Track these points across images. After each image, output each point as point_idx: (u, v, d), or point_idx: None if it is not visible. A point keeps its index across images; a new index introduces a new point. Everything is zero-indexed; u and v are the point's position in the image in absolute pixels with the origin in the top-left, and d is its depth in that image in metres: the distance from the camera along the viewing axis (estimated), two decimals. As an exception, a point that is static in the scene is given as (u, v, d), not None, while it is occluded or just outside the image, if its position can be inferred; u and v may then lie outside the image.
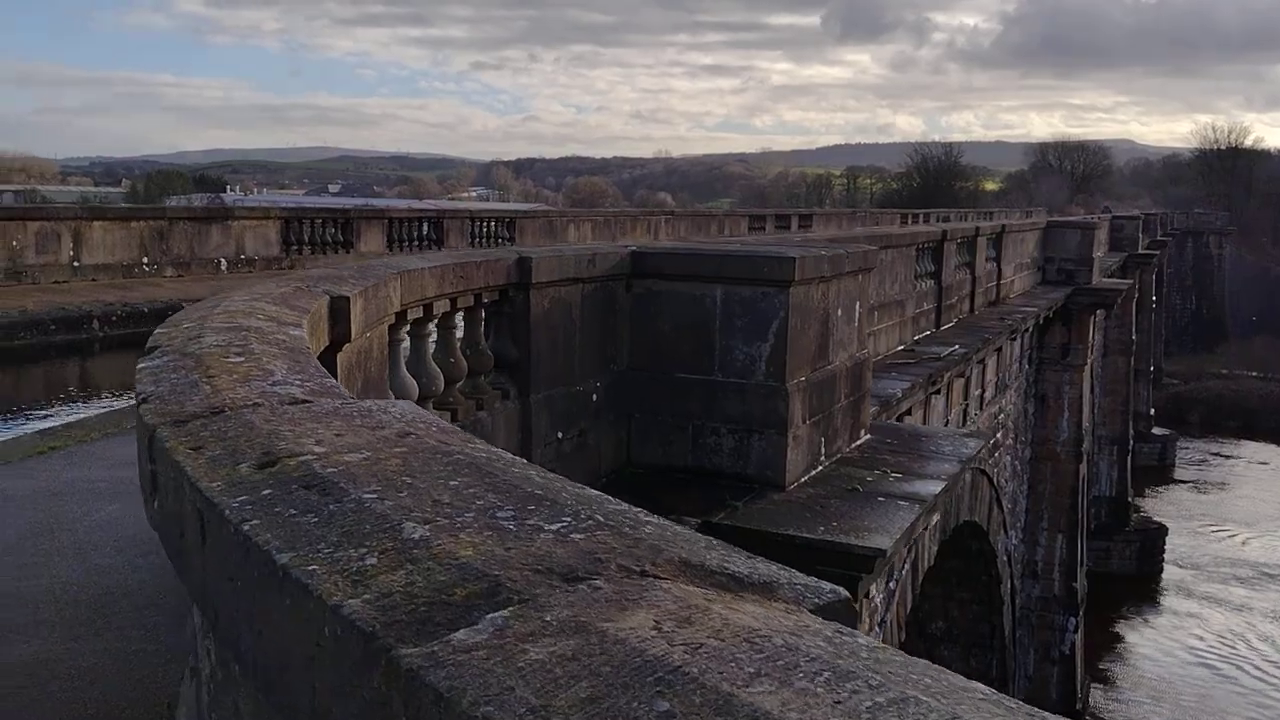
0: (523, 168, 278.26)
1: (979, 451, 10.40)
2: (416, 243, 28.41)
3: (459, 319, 7.37)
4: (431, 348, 6.95)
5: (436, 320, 6.99)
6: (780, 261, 8.63)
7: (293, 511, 1.53)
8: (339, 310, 4.44)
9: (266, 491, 1.60)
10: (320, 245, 25.38)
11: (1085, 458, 30.34)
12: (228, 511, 1.56)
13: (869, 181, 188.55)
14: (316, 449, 1.76)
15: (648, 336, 9.24)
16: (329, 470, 1.65)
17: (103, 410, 8.75)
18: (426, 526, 1.41)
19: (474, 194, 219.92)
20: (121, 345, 16.57)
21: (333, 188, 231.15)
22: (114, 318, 16.98)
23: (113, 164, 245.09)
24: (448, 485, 1.56)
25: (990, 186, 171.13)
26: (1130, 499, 44.15)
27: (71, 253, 19.39)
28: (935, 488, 8.78)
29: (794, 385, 8.79)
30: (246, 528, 1.49)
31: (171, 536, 1.94)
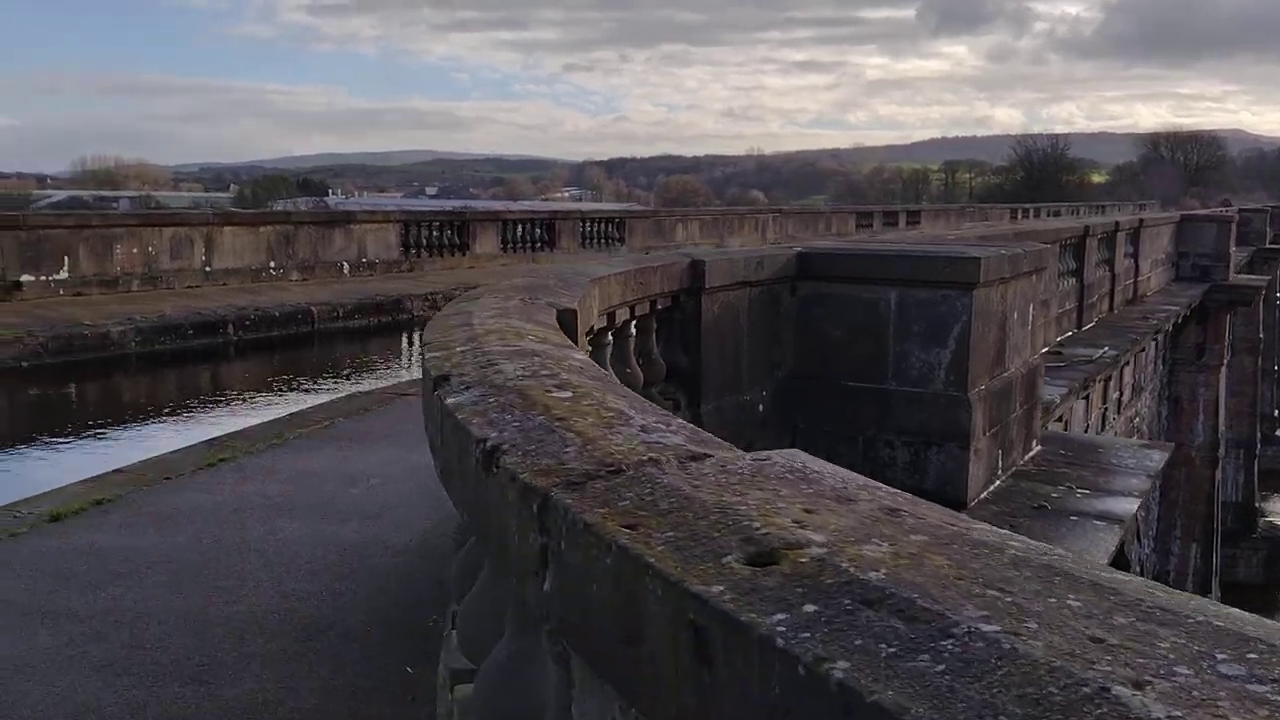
0: (614, 167, 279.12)
1: (1163, 464, 9.75)
2: (530, 244, 28.43)
3: (633, 328, 7.09)
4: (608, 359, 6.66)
5: (615, 330, 6.71)
6: (962, 262, 8.14)
7: (896, 656, 1.03)
8: (566, 324, 4.16)
9: (810, 609, 1.17)
10: (438, 248, 25.54)
11: (1219, 463, 28.94)
12: (793, 651, 1.07)
13: (968, 176, 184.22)
14: (813, 535, 1.36)
15: (814, 342, 8.83)
16: (871, 575, 1.21)
17: (265, 420, 8.70)
18: (1144, 693, 0.91)
19: (567, 194, 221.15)
20: (255, 349, 16.80)
21: (430, 190, 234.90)
22: (247, 322, 17.22)
23: (221, 170, 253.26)
24: (1065, 605, 1.13)
25: (1096, 179, 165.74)
26: (1257, 504, 42.16)
27: (203, 257, 19.77)
28: (1130, 506, 8.22)
29: (976, 394, 8.28)
30: (874, 698, 0.96)
31: (639, 668, 1.40)
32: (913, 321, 8.29)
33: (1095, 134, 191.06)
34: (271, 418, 9.29)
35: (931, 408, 8.27)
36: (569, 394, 2.25)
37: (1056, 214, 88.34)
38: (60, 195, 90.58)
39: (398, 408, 9.01)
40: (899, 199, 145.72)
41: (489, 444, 1.96)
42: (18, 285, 16.69)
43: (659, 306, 7.19)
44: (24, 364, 13.86)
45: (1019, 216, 76.96)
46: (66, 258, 17.42)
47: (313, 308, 18.47)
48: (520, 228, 28.33)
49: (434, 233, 25.56)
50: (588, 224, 30.89)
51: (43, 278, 17.04)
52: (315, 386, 13.40)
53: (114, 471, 7.24)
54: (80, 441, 10.17)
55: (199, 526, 5.96)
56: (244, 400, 12.79)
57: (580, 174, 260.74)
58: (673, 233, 34.94)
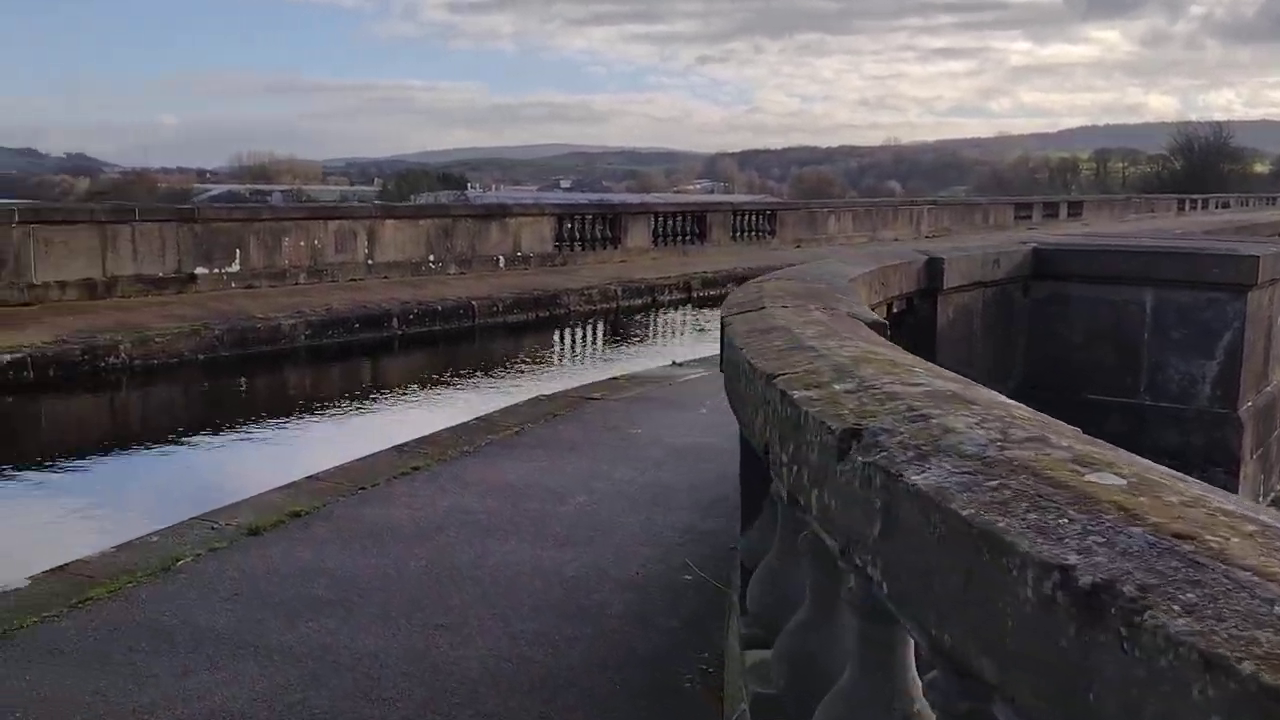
0: (747, 160, 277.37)
1: None
2: (680, 238, 27.88)
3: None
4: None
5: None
6: (1235, 260, 7.11)
7: None
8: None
9: None
10: (589, 242, 25.21)
11: None
12: None
13: (1121, 165, 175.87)
14: None
15: (1049, 348, 7.92)
16: None
17: (450, 425, 8.32)
18: None
19: (699, 187, 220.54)
20: (418, 344, 16.70)
21: (564, 183, 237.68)
22: (410, 316, 17.14)
23: (365, 164, 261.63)
24: None
25: (1259, 170, 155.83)
26: None
27: (366, 251, 19.87)
28: None
29: (1245, 412, 7.25)
30: None
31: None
32: (1171, 328, 7.32)
33: (1256, 122, 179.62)
34: (454, 421, 8.92)
35: (1194, 426, 7.29)
36: (1111, 477, 1.54)
37: (1225, 205, 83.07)
38: (219, 189, 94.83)
39: (587, 414, 8.52)
40: (1046, 190, 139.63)
41: (1121, 599, 1.20)
42: (193, 278, 17.00)
43: (894, 310, 6.46)
44: (200, 357, 14.00)
45: (1186, 209, 72.58)
46: (238, 251, 17.67)
47: (473, 302, 18.30)
48: (670, 221, 27.80)
49: (586, 227, 25.25)
50: (738, 217, 30.15)
51: (215, 270, 17.32)
52: (487, 384, 13.09)
53: (308, 478, 6.92)
54: (265, 438, 10.04)
55: (403, 547, 5.53)
56: (417, 397, 12.56)
57: (712, 166, 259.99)
58: (824, 225, 33.89)
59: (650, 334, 18.22)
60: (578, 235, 24.95)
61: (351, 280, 19.60)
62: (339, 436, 9.87)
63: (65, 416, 11.84)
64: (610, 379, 10.03)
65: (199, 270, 17.09)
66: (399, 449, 7.63)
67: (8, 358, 12.30)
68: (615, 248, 25.83)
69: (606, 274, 23.35)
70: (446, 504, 6.24)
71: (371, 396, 12.71)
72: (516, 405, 8.89)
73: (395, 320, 16.83)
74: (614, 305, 20.97)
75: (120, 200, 33.26)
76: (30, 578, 5.23)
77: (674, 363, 10.91)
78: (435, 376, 13.97)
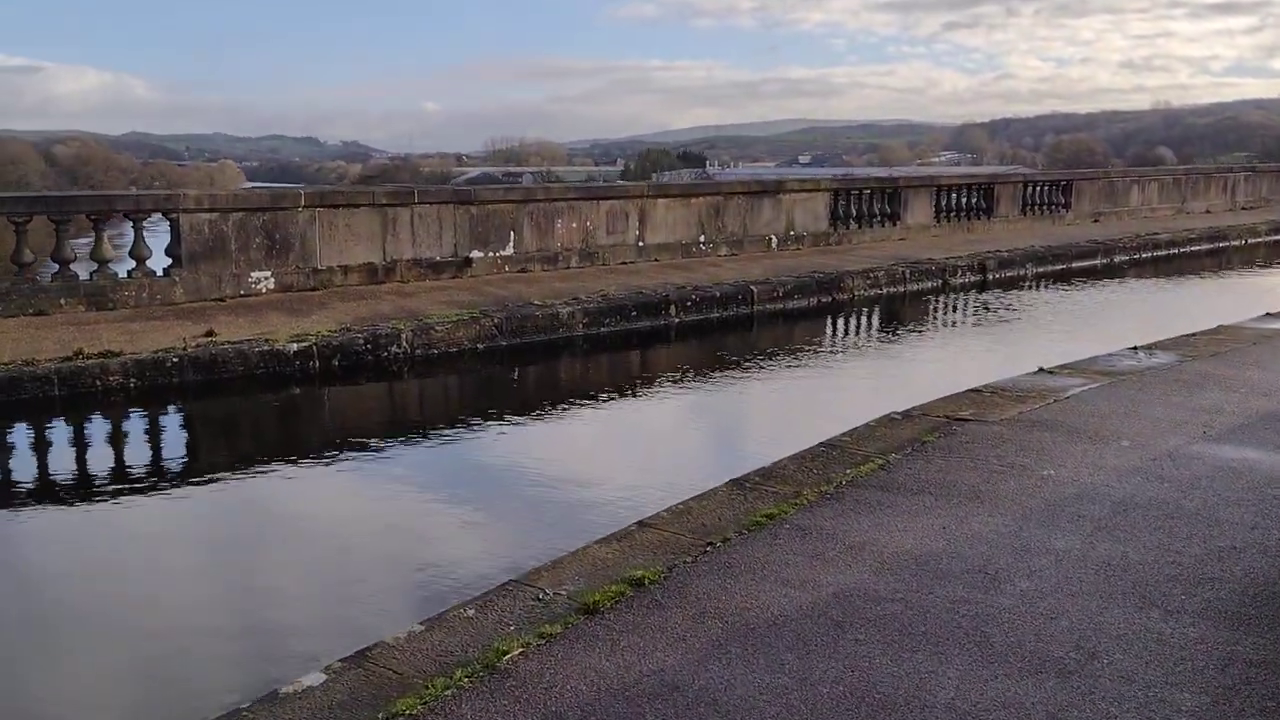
0: (997, 129, 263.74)
1: None
2: (965, 213, 25.29)
3: None
4: None
5: None
6: None
7: None
8: None
9: None
10: (866, 219, 23.14)
11: None
12: None
13: None
14: None
15: None
16: None
17: (790, 454, 6.70)
18: None
19: (944, 158, 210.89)
20: (695, 332, 15.30)
21: (802, 159, 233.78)
22: (688, 303, 15.77)
23: (608, 145, 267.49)
24: None
25: None
26: None
27: (637, 232, 18.71)
28: None
29: None
30: None
31: None
32: None
33: None
34: (788, 440, 7.35)
35: None
36: None
37: None
38: (475, 172, 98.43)
39: (965, 443, 6.71)
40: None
41: None
42: (468, 261, 16.34)
43: None
44: (480, 346, 13.16)
45: None
46: (511, 233, 16.88)
47: (752, 287, 16.73)
48: (954, 195, 25.23)
49: (863, 202, 23.16)
50: (1029, 189, 27.11)
51: (490, 254, 16.60)
52: (797, 390, 11.47)
53: (639, 525, 5.51)
54: (566, 443, 8.85)
55: (799, 658, 3.97)
56: (723, 403, 11.12)
57: (959, 137, 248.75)
58: (1126, 196, 30.12)
59: (965, 325, 16.02)
60: (854, 211, 22.93)
61: (622, 263, 18.50)
62: (650, 447, 8.52)
63: (358, 411, 11.16)
64: (970, 392, 8.14)
65: (474, 254, 16.41)
66: (738, 484, 6.11)
67: (295, 347, 11.81)
68: (894, 224, 23.62)
69: (887, 253, 21.24)
70: (832, 583, 4.64)
71: (665, 396, 11.36)
72: (867, 426, 7.20)
73: (672, 307, 15.51)
74: (901, 290, 18.86)
75: (387, 183, 33.98)
76: (327, 670, 4.05)
77: (1040, 369, 8.88)
78: (729, 374, 12.49)
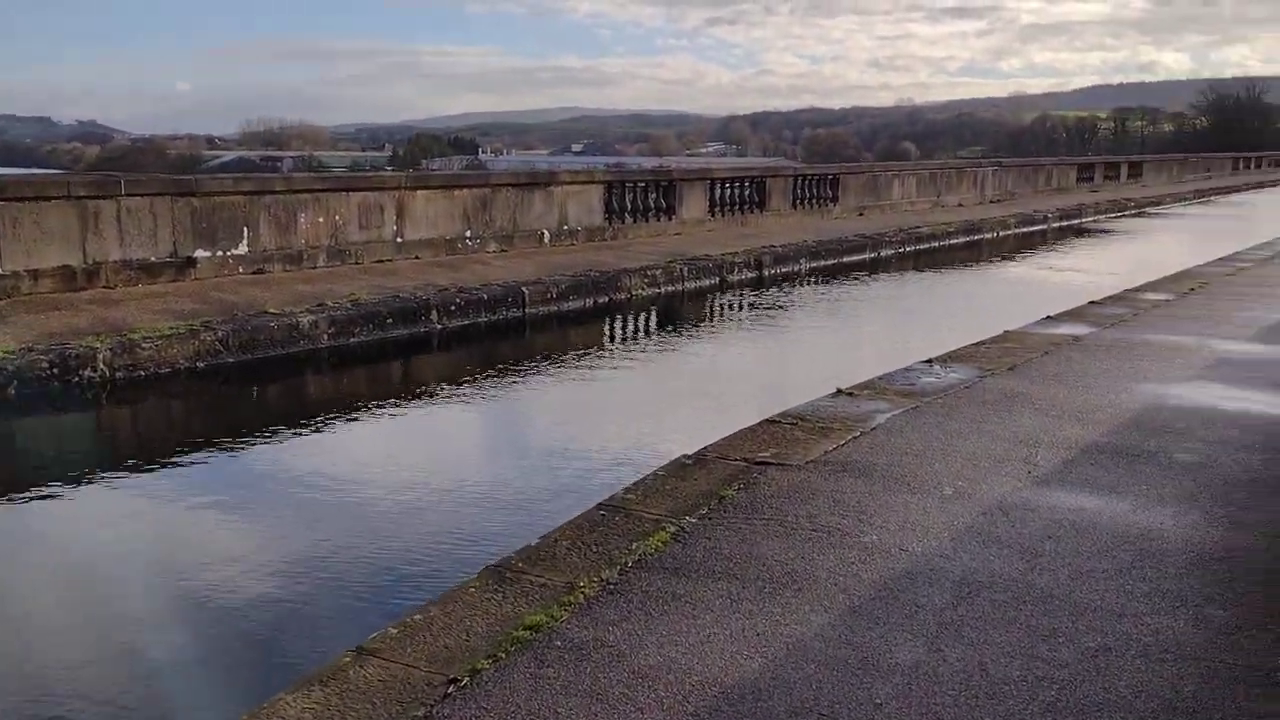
0: (759, 121, 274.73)
1: None
2: (739, 207, 24.87)
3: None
4: None
5: None
6: None
7: None
8: None
9: None
10: (643, 212, 22.23)
11: None
12: None
13: (1140, 124, 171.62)
14: None
15: None
16: None
17: (568, 524, 5.40)
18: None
19: (711, 149, 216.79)
20: (463, 341, 13.80)
21: (575, 147, 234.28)
22: (452, 307, 14.23)
23: (375, 130, 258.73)
24: None
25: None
26: None
27: (394, 227, 16.93)
28: None
29: None
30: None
31: None
32: None
33: (1271, 78, 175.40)
34: (560, 503, 6.07)
35: None
36: None
37: (1277, 164, 79.33)
38: (229, 156, 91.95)
39: (770, 497, 5.62)
40: (1064, 149, 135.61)
41: None
42: (191, 262, 14.11)
43: None
44: (200, 365, 11.15)
45: (1240, 168, 68.96)
46: (246, 229, 14.74)
47: (524, 289, 15.37)
48: (729, 188, 24.76)
49: (638, 195, 22.24)
50: (799, 182, 27.07)
51: (219, 254, 14.41)
52: (577, 417, 10.18)
53: (353, 654, 4.05)
54: (263, 527, 7.15)
55: None
56: (485, 442, 9.68)
57: (724, 128, 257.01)
58: (888, 190, 30.76)
59: (751, 329, 15.24)
60: (629, 204, 21.97)
61: (378, 262, 16.69)
62: (386, 509, 6.98)
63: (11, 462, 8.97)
64: (767, 423, 7.10)
65: (199, 253, 14.19)
66: (496, 574, 4.74)
67: (-53, 378, 9.48)
68: (669, 218, 22.85)
69: (665, 249, 20.39)
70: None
71: (417, 425, 9.81)
72: (655, 477, 6.00)
73: (435, 312, 13.94)
74: (680, 288, 18.03)
75: (113, 171, 30.25)
76: None
77: (839, 391, 8.00)
78: (496, 393, 11.07)
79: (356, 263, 16.43)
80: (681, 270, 18.30)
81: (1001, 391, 7.83)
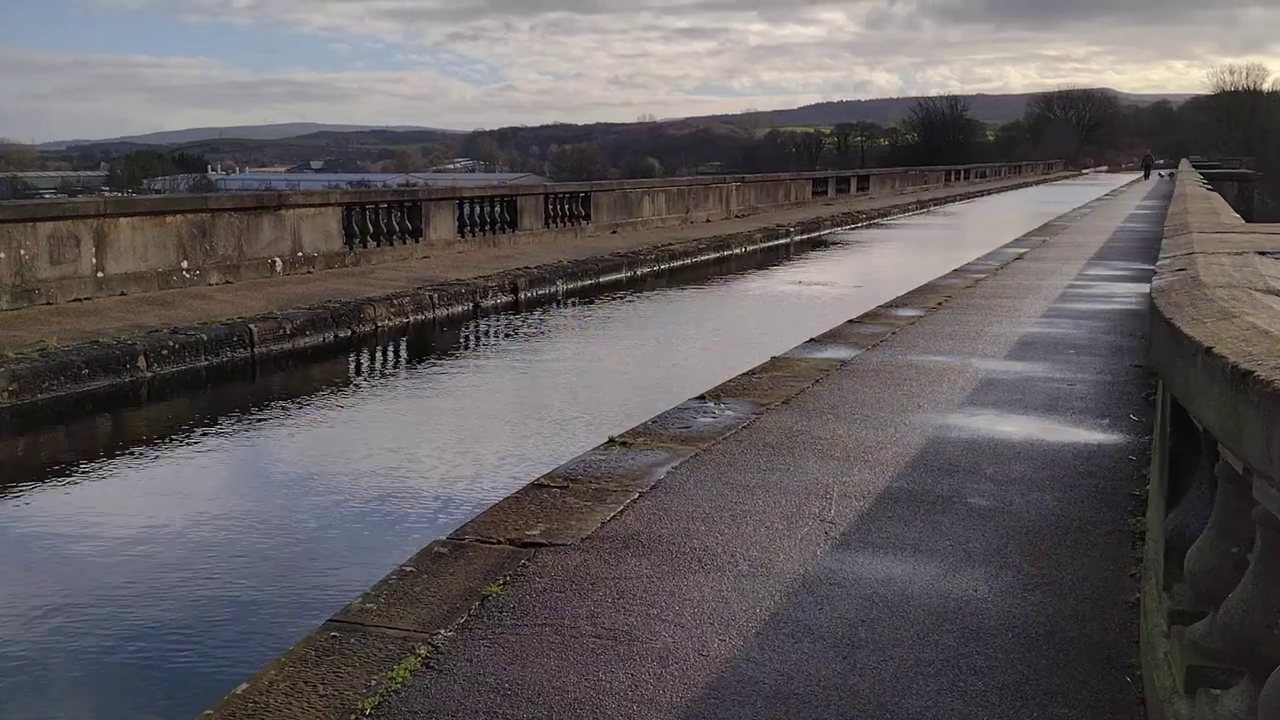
0: (506, 137, 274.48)
1: None
2: (490, 227, 23.87)
3: None
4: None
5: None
6: None
7: None
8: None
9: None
10: (386, 235, 20.83)
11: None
12: None
13: (860, 139, 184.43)
14: None
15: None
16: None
17: (285, 656, 4.28)
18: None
19: (459, 165, 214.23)
20: (176, 388, 12.08)
21: (315, 164, 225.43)
22: (164, 351, 12.47)
23: (90, 147, 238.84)
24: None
25: (984, 139, 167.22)
26: None
27: (94, 261, 14.81)
28: None
29: None
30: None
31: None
32: None
33: (971, 96, 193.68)
34: (287, 615, 4.91)
35: None
36: None
37: (983, 174, 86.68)
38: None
39: (543, 593, 4.70)
40: (794, 163, 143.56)
41: None
42: None
43: None
44: None
45: (952, 180, 74.68)
46: (-104, 271, 12.38)
47: (252, 325, 13.74)
48: (479, 208, 23.72)
49: (381, 217, 20.82)
50: (551, 202, 26.39)
51: None
52: (304, 488, 8.82)
53: None
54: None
55: None
56: (185, 535, 8.19)
57: (472, 144, 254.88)
58: (640, 207, 30.67)
59: (509, 363, 14.25)
60: (371, 228, 20.53)
61: (76, 301, 14.53)
62: (40, 646, 5.53)
63: None
64: (534, 487, 6.18)
65: None
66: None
67: None
68: (417, 241, 21.57)
69: (413, 274, 19.12)
70: None
71: (106, 508, 8.19)
72: (401, 575, 4.95)
73: (142, 359, 12.14)
74: (431, 316, 16.84)
75: None
76: None
77: (611, 440, 7.19)
78: (207, 457, 9.54)
79: (48, 303, 14.23)
80: (431, 297, 17.12)
81: (781, 431, 7.30)
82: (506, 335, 16.21)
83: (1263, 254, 4.98)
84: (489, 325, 16.97)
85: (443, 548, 5.25)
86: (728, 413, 7.82)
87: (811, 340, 11.18)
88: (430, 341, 15.78)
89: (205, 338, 13.08)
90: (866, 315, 12.95)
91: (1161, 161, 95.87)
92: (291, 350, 14.07)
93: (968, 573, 4.84)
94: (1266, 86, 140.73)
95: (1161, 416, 3.92)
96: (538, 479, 6.32)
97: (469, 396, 12.15)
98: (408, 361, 14.59)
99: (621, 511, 5.69)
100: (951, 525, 5.44)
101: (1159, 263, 4.77)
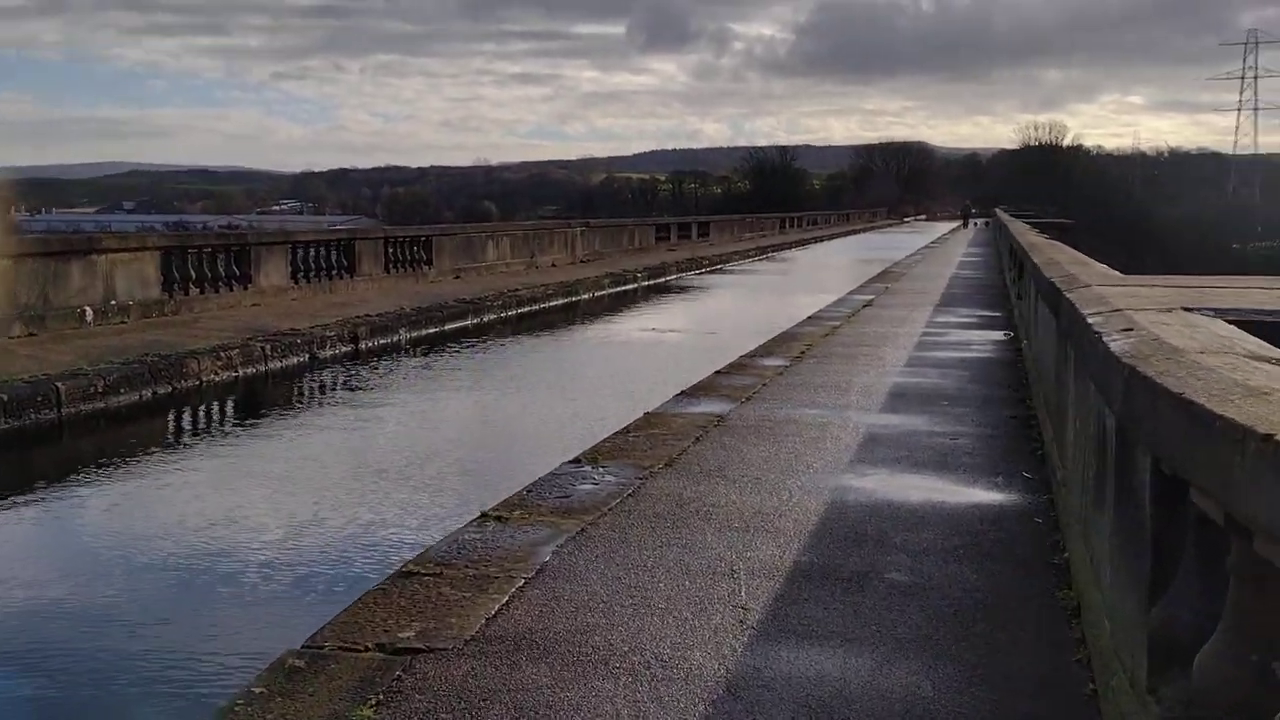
0: (337, 179, 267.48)
1: None
2: (326, 272, 22.61)
3: None
4: None
5: None
6: None
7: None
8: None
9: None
10: (211, 282, 19.36)
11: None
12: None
13: (693, 186, 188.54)
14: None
15: None
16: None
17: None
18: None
19: (286, 206, 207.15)
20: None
21: (127, 204, 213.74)
22: (-48, 417, 10.95)
23: None
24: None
25: (811, 187, 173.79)
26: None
27: None
28: None
29: None
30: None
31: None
32: None
33: (797, 146, 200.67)
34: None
35: None
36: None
37: (814, 222, 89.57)
38: None
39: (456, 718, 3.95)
40: (631, 208, 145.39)
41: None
42: None
43: None
44: None
45: (787, 227, 76.79)
46: None
47: (58, 384, 12.28)
48: (313, 252, 22.44)
49: (205, 262, 19.35)
50: (391, 246, 25.30)
51: None
52: (115, 566, 7.65)
53: None
54: None
55: None
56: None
57: (300, 185, 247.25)
58: (484, 252, 29.87)
59: (352, 420, 13.17)
60: (194, 274, 19.04)
61: None
62: None
63: None
64: (400, 576, 5.35)
65: None
66: None
67: None
68: (245, 287, 20.17)
69: (242, 323, 17.77)
70: None
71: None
72: (248, 697, 4.09)
73: (-76, 427, 10.60)
74: (263, 369, 15.59)
75: None
76: None
77: (484, 515, 6.44)
78: (7, 545, 8.25)
79: None
80: (263, 349, 15.87)
81: (670, 498, 6.72)
82: (349, 388, 15.14)
83: (1187, 310, 4.75)
84: (329, 378, 15.85)
85: (298, 659, 4.40)
86: (609, 478, 7.20)
87: (683, 393, 10.71)
88: (263, 397, 14.58)
89: (5, 397, 11.58)
90: (733, 366, 12.60)
91: (975, 210, 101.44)
92: (104, 410, 12.66)
93: (904, 664, 4.36)
94: (1066, 141, 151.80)
95: (1136, 495, 3.53)
96: (406, 565, 5.52)
97: (309, 459, 11.10)
98: (237, 420, 13.37)
99: (507, 603, 4.97)
100: (874, 606, 4.96)
101: (1090, 320, 4.45)
